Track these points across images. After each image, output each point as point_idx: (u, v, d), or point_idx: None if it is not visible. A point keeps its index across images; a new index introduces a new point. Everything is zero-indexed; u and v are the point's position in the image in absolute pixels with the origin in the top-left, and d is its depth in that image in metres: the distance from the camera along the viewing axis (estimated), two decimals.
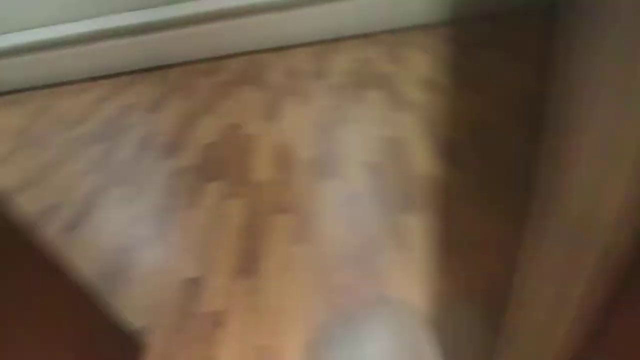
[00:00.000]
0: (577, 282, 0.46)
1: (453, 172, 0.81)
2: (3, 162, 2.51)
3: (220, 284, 1.45)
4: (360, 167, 1.86)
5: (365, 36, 3.30)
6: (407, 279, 1.34)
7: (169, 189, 1.99)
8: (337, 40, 3.33)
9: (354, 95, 2.46)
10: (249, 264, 1.50)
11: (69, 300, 1.03)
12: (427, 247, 1.44)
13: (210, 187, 1.93)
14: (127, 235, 1.75)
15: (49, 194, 2.12)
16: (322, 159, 1.97)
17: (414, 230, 1.51)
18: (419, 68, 2.63)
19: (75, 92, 3.34)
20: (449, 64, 0.75)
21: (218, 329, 1.30)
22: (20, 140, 2.73)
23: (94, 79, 3.51)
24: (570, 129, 0.40)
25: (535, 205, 0.48)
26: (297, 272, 1.44)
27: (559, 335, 0.53)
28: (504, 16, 0.54)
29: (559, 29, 0.38)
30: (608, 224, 0.40)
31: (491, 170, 0.63)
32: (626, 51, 0.32)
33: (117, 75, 3.49)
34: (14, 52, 3.33)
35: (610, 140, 0.37)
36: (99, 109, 2.96)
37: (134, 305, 1.43)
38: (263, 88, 2.78)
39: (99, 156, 2.37)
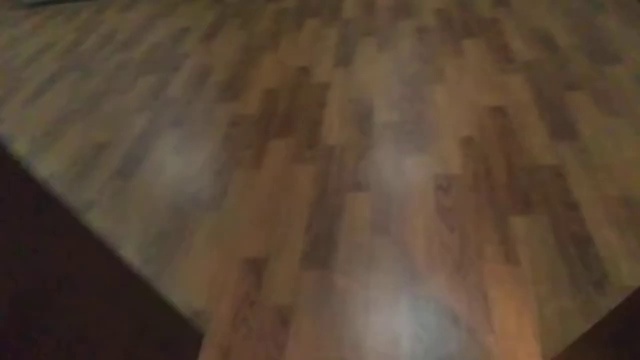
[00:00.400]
0: None
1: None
2: (49, 85, 2.33)
3: (286, 271, 1.26)
4: (457, 144, 1.54)
5: None
6: (514, 302, 1.10)
7: (228, 140, 1.75)
8: None
9: (447, 43, 2.04)
10: (320, 251, 1.29)
11: (116, 280, 0.86)
12: (540, 263, 1.17)
13: (275, 146, 1.69)
14: (182, 192, 1.57)
15: (97, 131, 1.94)
16: (407, 126, 1.65)
17: (524, 239, 1.23)
18: (529, 15, 2.13)
19: (124, 6, 3.03)
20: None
21: (284, 328, 1.14)
22: (68, 60, 2.52)
23: None
24: None
25: None
26: (376, 270, 1.22)
27: None
28: None
29: None
30: None
31: None
32: None
33: None
34: None
35: None
36: (149, 30, 2.67)
37: (190, 283, 1.28)
38: (334, 22, 2.38)
39: (150, 89, 2.14)
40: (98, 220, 1.53)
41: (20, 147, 1.93)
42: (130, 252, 1.40)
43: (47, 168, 1.80)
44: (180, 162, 1.70)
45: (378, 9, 2.41)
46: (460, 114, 1.65)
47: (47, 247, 0.66)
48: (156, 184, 1.62)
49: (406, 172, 1.48)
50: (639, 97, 1.57)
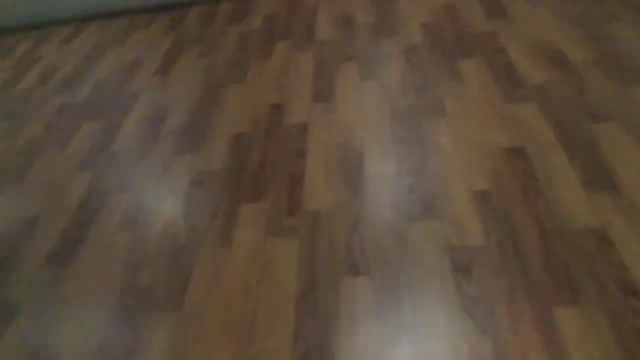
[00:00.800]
0: None
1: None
2: None
3: None
4: (472, 202, 1.25)
5: None
6: None
7: (189, 206, 1.42)
8: None
9: (441, 66, 1.75)
10: None
11: None
12: None
13: (247, 212, 1.36)
14: (132, 285, 1.23)
15: (27, 201, 1.59)
16: (407, 179, 1.35)
17: (577, 341, 0.94)
18: (530, 26, 1.86)
19: (68, 36, 2.65)
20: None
21: None
22: None
23: (87, 20, 2.80)
24: None
25: None
26: None
27: None
28: None
29: None
30: None
31: None
32: None
33: (117, 15, 2.76)
34: None
35: None
36: (95, 64, 2.31)
37: None
38: (308, 45, 2.07)
39: (94, 141, 1.79)
40: (23, 331, 1.18)
41: None
42: None
43: None
44: (130, 242, 1.36)
45: (357, 27, 2.11)
46: (470, 159, 1.36)
47: None
48: (99, 275, 1.28)
49: (413, 245, 1.18)
50: None
